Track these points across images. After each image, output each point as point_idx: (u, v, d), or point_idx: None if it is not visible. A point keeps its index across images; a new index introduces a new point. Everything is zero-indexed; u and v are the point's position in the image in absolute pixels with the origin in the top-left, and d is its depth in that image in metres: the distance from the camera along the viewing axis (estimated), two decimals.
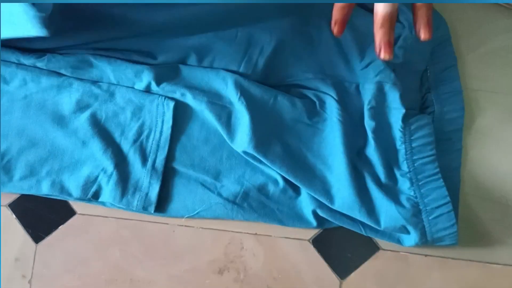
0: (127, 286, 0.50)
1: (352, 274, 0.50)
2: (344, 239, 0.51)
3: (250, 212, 0.50)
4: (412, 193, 0.48)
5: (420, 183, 0.48)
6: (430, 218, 0.47)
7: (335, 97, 0.51)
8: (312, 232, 0.51)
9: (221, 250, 0.51)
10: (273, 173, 0.50)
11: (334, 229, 0.50)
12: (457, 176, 0.52)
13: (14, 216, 0.52)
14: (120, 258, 0.50)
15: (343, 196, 0.48)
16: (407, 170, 0.49)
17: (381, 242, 0.51)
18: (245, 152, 0.50)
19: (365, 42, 0.52)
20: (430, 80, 0.53)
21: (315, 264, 0.50)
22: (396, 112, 0.49)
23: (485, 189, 0.52)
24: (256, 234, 0.51)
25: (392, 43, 0.36)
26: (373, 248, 0.51)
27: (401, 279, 0.50)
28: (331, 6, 0.41)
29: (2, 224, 0.51)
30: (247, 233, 0.51)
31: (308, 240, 0.51)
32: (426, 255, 0.50)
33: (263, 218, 0.50)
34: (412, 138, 0.49)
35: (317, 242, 0.51)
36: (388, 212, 0.47)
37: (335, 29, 0.38)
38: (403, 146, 0.49)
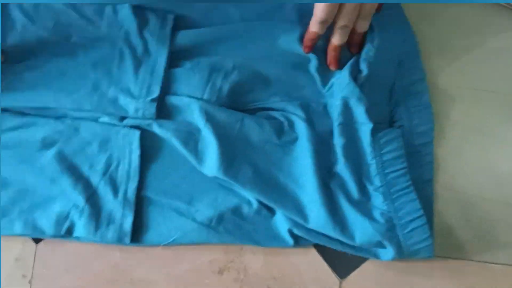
0: (127, 286, 0.50)
1: (352, 274, 0.50)
2: None
3: (226, 235, 0.49)
4: (385, 208, 0.48)
5: (393, 197, 0.48)
6: (404, 232, 0.47)
7: (303, 117, 0.51)
8: None
9: (221, 249, 0.51)
10: (246, 194, 0.50)
11: None
12: (430, 188, 0.51)
13: None
14: (120, 258, 0.50)
15: (316, 215, 0.48)
16: (379, 184, 0.48)
17: None
18: (215, 177, 0.49)
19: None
20: (398, 94, 0.53)
21: (315, 264, 0.50)
22: (364, 127, 0.49)
23: (485, 189, 0.52)
24: None
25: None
26: None
27: (401, 279, 0.50)
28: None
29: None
30: None
31: None
32: None
33: (240, 240, 0.50)
34: (382, 152, 0.49)
35: None
36: (362, 228, 0.47)
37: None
38: (374, 160, 0.49)
